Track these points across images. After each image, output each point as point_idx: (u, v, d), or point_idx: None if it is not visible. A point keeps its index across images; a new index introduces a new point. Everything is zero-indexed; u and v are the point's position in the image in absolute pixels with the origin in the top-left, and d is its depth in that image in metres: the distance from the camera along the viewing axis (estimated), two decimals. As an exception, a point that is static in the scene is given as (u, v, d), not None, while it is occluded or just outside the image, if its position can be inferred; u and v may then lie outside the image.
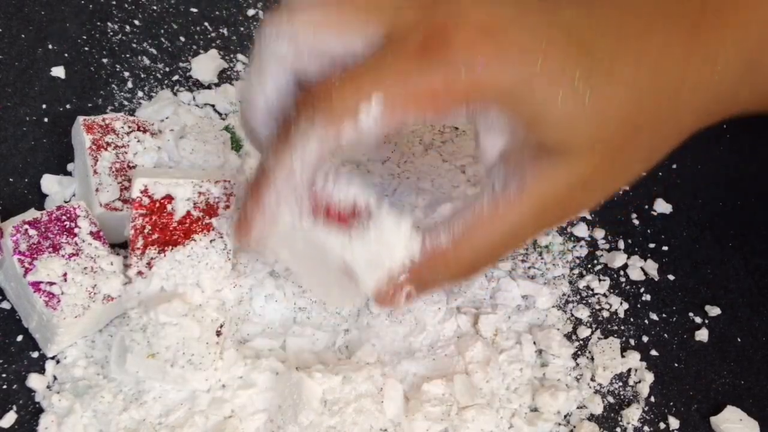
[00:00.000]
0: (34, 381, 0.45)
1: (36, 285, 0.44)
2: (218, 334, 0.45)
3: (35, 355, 0.46)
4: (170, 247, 0.47)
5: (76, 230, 0.47)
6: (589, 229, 0.60)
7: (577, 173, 0.37)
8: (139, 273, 0.47)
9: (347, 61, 0.36)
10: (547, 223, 0.41)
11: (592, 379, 0.52)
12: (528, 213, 0.38)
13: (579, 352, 0.53)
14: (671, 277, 0.58)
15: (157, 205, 0.47)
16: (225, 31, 0.64)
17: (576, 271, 0.57)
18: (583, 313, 0.55)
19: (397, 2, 0.36)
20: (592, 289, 0.57)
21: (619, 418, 0.51)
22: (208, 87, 0.61)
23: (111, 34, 0.60)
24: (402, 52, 0.34)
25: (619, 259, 0.58)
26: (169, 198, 0.47)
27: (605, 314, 0.56)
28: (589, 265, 0.58)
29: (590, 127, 0.36)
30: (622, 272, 0.58)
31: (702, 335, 0.56)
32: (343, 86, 0.34)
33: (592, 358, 0.53)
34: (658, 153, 0.40)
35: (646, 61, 0.36)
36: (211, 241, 0.48)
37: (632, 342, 0.55)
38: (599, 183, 0.39)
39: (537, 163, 0.37)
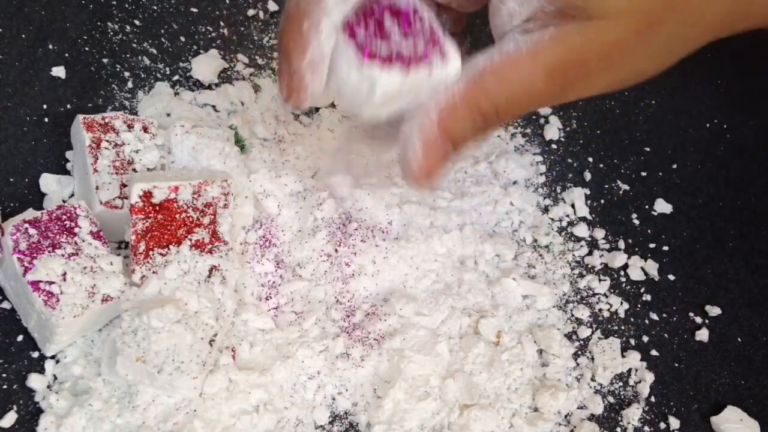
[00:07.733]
0: (34, 381, 0.45)
1: (35, 284, 0.44)
2: (211, 343, 0.45)
3: (35, 355, 0.46)
4: (171, 251, 0.47)
5: (76, 230, 0.46)
6: (589, 229, 0.60)
7: (598, 40, 0.37)
8: (143, 278, 0.46)
9: None
10: (559, 88, 0.40)
11: (593, 379, 0.52)
12: (540, 70, 0.38)
13: (579, 352, 0.53)
14: (671, 277, 0.58)
15: (157, 208, 0.47)
16: (225, 31, 0.64)
17: (576, 271, 0.57)
18: (584, 313, 0.55)
19: None
20: (593, 289, 0.57)
21: (620, 418, 0.51)
22: (209, 87, 0.60)
23: (111, 34, 0.60)
24: None
25: (619, 259, 0.58)
26: (168, 201, 0.47)
27: (605, 314, 0.56)
28: (589, 265, 0.58)
29: None
30: (622, 272, 0.58)
31: (702, 335, 0.56)
32: None
33: (593, 358, 0.53)
34: (671, 53, 0.40)
35: None
36: (210, 248, 0.48)
37: (632, 342, 0.55)
38: (617, 58, 0.39)
39: (559, 26, 0.37)
